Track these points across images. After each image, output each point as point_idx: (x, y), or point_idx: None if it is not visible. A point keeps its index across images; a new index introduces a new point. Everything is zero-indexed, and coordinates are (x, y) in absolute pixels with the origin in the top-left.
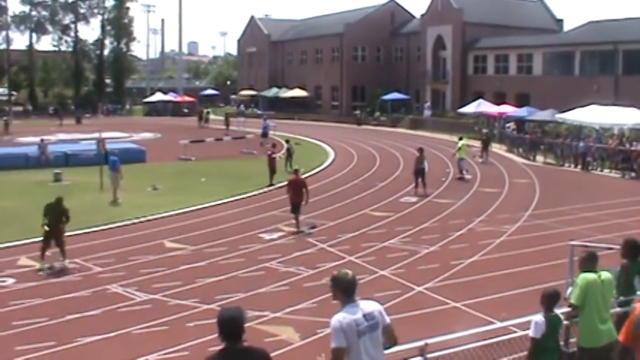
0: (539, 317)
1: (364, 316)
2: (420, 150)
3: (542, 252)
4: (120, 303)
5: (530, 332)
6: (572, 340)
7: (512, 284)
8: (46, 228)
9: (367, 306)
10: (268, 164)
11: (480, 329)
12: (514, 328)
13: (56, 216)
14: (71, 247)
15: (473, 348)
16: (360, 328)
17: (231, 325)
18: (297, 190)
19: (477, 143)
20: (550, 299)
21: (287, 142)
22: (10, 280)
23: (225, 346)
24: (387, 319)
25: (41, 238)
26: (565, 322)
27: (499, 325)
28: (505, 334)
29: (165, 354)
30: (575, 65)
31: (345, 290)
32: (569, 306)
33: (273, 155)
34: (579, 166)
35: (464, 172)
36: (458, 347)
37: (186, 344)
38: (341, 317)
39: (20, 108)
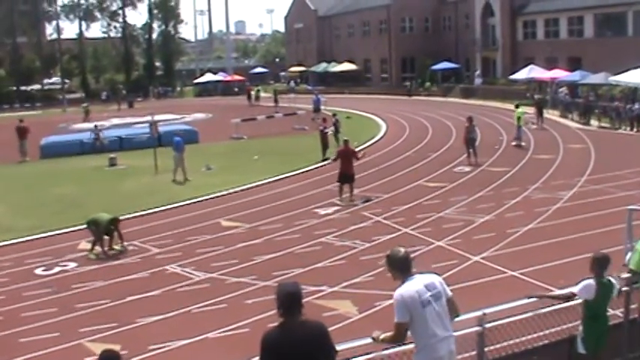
0: (590, 280)
1: (425, 286)
2: (470, 119)
3: (599, 218)
4: (178, 283)
5: (576, 289)
6: (632, 307)
7: (570, 251)
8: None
9: (426, 278)
10: (320, 139)
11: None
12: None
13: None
14: (129, 229)
15: (531, 317)
16: (424, 298)
17: (289, 300)
18: (346, 160)
19: (531, 109)
20: (600, 263)
21: (334, 115)
22: (72, 265)
23: (283, 321)
24: (449, 292)
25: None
26: (625, 289)
27: (558, 292)
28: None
29: (224, 331)
30: (628, 25)
31: (399, 268)
32: (629, 272)
33: (325, 130)
34: (635, 129)
35: (519, 139)
36: (516, 316)
37: (246, 321)
38: (402, 291)
39: (74, 95)
